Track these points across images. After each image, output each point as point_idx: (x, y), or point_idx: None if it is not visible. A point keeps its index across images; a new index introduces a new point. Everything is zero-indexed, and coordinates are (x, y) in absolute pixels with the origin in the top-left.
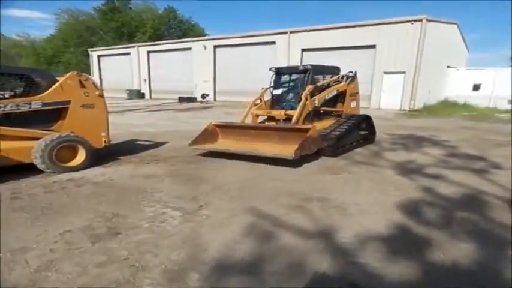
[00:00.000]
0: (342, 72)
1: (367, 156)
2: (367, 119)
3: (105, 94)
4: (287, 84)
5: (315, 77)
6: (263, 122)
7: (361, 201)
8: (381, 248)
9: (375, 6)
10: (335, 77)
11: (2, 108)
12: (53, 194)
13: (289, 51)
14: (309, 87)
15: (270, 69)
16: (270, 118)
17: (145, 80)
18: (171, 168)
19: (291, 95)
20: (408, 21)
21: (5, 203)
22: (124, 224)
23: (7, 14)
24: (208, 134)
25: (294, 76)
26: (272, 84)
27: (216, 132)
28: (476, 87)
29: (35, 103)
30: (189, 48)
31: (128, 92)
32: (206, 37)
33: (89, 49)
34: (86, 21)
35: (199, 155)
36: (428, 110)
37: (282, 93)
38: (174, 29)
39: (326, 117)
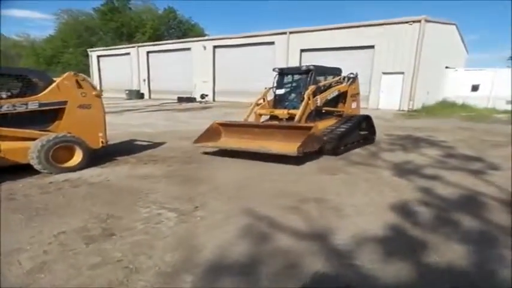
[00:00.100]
0: (343, 73)
1: (365, 156)
2: (367, 119)
3: (105, 94)
4: (290, 85)
5: (317, 78)
6: (266, 121)
7: (358, 202)
8: (377, 249)
9: (373, 6)
10: (336, 78)
11: None
12: (49, 195)
13: (288, 51)
14: (312, 87)
15: (274, 69)
16: (273, 117)
17: (144, 80)
18: (168, 169)
19: (293, 94)
20: (407, 22)
21: (0, 203)
22: (119, 225)
23: (7, 14)
24: (211, 133)
25: (296, 76)
26: (275, 84)
27: (219, 130)
28: (474, 88)
29: (32, 103)
30: (189, 49)
31: (127, 92)
32: (205, 37)
33: (88, 49)
34: (85, 22)
35: (198, 155)
36: (427, 111)
37: (284, 93)
38: (173, 29)
39: (327, 117)
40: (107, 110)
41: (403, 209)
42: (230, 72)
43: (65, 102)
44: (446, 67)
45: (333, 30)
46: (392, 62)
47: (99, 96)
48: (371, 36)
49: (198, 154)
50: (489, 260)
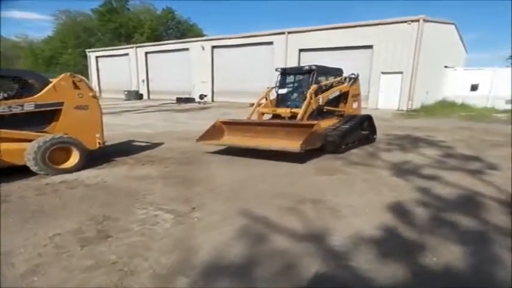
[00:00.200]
0: (343, 74)
1: (363, 156)
2: (368, 118)
3: (103, 95)
4: (292, 84)
5: (319, 78)
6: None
7: (355, 202)
8: (373, 250)
9: (372, 6)
10: (338, 78)
11: None
12: (45, 197)
13: (287, 51)
14: (314, 87)
15: (276, 69)
16: (276, 116)
17: (143, 80)
18: (166, 170)
19: (295, 94)
20: (405, 22)
21: None
22: (115, 226)
23: (6, 15)
24: (214, 131)
25: (298, 76)
26: (278, 84)
27: (222, 128)
28: (474, 88)
29: (28, 105)
30: (187, 49)
31: (125, 93)
32: (204, 37)
33: (87, 50)
34: (83, 23)
35: (196, 156)
36: (426, 110)
37: (287, 93)
38: (172, 29)
39: (329, 117)
40: (105, 110)
41: (401, 210)
42: (229, 72)
43: (61, 103)
44: (446, 67)
45: (332, 30)
46: (391, 61)
47: (95, 97)
48: (370, 36)
49: (196, 155)
50: (487, 261)
